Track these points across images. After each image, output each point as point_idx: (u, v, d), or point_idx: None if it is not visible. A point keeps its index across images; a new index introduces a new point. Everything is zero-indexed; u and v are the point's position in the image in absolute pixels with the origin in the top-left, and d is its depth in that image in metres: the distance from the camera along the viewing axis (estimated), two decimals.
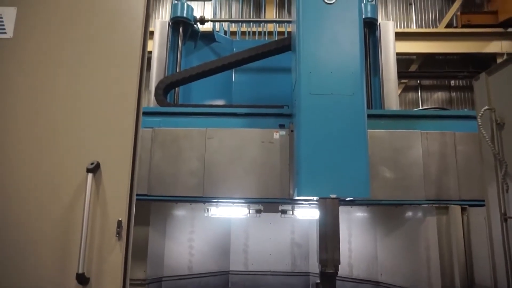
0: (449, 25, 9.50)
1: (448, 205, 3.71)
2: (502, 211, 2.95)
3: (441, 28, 9.46)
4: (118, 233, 2.03)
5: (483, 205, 3.24)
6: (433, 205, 3.73)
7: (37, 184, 2.14)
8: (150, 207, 4.15)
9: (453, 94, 9.58)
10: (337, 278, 3.14)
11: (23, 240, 2.10)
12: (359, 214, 4.52)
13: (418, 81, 9.64)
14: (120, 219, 2.04)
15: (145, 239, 4.06)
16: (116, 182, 2.10)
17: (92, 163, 2.06)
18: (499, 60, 8.85)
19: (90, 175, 2.02)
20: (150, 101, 5.01)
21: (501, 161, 2.95)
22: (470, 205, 3.67)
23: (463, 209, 3.69)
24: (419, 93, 9.60)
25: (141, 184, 3.70)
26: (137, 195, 2.26)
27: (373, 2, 5.42)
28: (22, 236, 2.10)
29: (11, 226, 2.11)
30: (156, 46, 5.30)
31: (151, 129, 3.99)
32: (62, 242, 2.06)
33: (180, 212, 4.57)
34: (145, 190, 3.83)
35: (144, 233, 4.07)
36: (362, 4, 5.14)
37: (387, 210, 4.19)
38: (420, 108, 9.11)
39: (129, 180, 2.11)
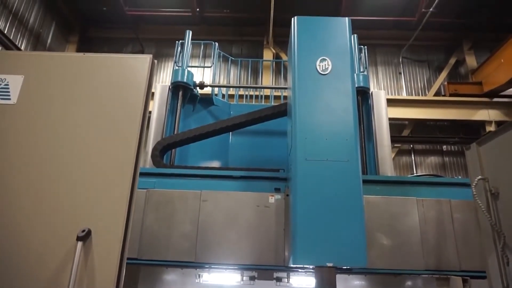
0: (437, 94, 9.97)
1: (448, 276, 3.59)
2: (505, 285, 2.85)
3: (430, 96, 9.91)
4: None
5: (485, 277, 3.13)
6: (433, 275, 3.61)
7: (23, 250, 2.06)
8: (139, 272, 3.97)
9: (446, 159, 9.75)
10: None
11: None
12: (357, 283, 4.34)
13: (411, 146, 9.85)
14: None
15: None
16: (107, 250, 2.03)
17: (83, 231, 2.01)
18: (488, 127, 9.16)
19: (79, 244, 1.95)
20: (146, 162, 5.03)
21: (499, 233, 2.92)
22: (472, 277, 3.56)
23: (464, 281, 3.57)
24: (413, 157, 9.76)
25: (131, 247, 3.54)
26: (127, 259, 2.17)
27: (365, 73, 5.72)
28: None
29: None
30: (155, 108, 5.45)
31: (145, 190, 3.95)
32: None
33: (170, 277, 4.36)
34: (135, 254, 3.69)
35: None
36: (355, 74, 5.41)
37: (386, 279, 4.03)
38: (415, 173, 9.20)
39: (120, 248, 2.04)
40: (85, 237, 2.00)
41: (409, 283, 3.85)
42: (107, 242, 2.06)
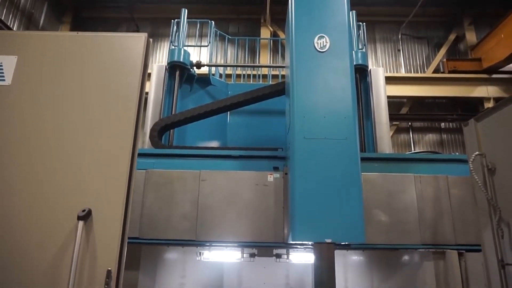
0: (436, 71, 9.90)
1: (444, 250, 3.66)
2: (499, 258, 2.92)
3: (428, 73, 9.84)
4: (107, 284, 1.95)
5: (480, 250, 3.20)
6: (430, 250, 3.68)
7: (26, 230, 2.08)
8: (141, 251, 4.03)
9: (444, 136, 9.77)
10: None
11: (9, 284, 2.01)
12: (355, 258, 4.43)
13: (410, 123, 9.85)
14: (109, 269, 1.97)
15: (135, 284, 3.90)
16: (108, 229, 2.05)
17: (83, 210, 2.02)
18: (486, 104, 9.14)
19: (81, 223, 1.98)
20: (144, 143, 5.03)
21: (495, 207, 2.96)
22: (467, 250, 3.63)
23: (460, 254, 3.65)
24: (411, 135, 9.78)
25: (132, 227, 3.58)
26: (128, 238, 2.20)
27: (364, 50, 5.65)
28: (9, 284, 2.01)
29: None
30: (152, 88, 5.40)
31: (144, 170, 3.97)
32: None
33: (172, 255, 4.45)
34: (136, 233, 3.74)
35: (134, 278, 3.92)
36: (353, 51, 5.35)
37: (383, 254, 4.12)
38: (413, 151, 9.23)
39: (121, 227, 2.06)
40: (85, 216, 2.02)
41: (406, 257, 3.93)
42: (107, 222, 2.08)
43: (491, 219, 3.02)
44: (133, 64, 2.37)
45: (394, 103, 9.53)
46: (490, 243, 3.01)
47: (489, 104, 9.06)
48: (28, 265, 2.04)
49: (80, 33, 2.47)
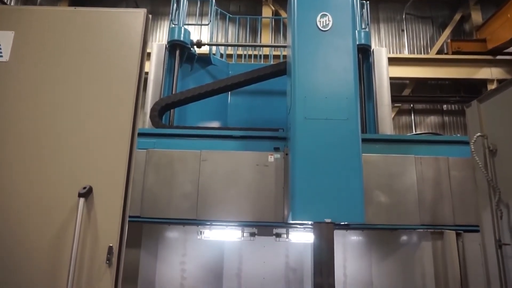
0: (440, 52, 9.75)
1: (443, 230, 3.70)
2: (497, 238, 2.94)
3: (432, 54, 9.70)
4: (109, 260, 1.98)
5: (478, 231, 3.23)
6: (428, 230, 3.72)
7: (28, 208, 2.10)
8: (142, 229, 4.08)
9: (446, 118, 9.72)
10: None
11: (12, 264, 2.04)
12: (354, 238, 4.48)
13: (411, 105, 9.79)
14: (111, 245, 1.99)
15: (136, 262, 3.97)
16: (109, 206, 2.07)
17: (84, 188, 2.03)
18: (489, 86, 9.05)
19: (81, 200, 1.99)
20: (145, 122, 5.01)
21: (495, 188, 2.97)
22: (465, 231, 3.67)
23: (458, 235, 3.69)
24: (413, 117, 9.73)
25: (133, 206, 3.65)
26: (129, 216, 2.22)
27: (367, 29, 5.56)
28: (11, 261, 2.04)
29: (0, 248, 2.06)
30: (152, 68, 5.34)
31: (145, 150, 3.97)
32: (51, 268, 2.01)
33: (173, 234, 4.50)
34: (137, 212, 3.78)
35: (135, 255, 3.98)
36: (356, 31, 5.26)
37: (382, 235, 4.16)
38: (414, 133, 9.21)
39: (122, 205, 2.07)
40: (86, 193, 2.03)
41: (404, 237, 3.98)
42: (108, 199, 2.09)
43: (490, 200, 3.04)
44: (132, 40, 2.34)
45: (396, 84, 9.45)
46: (489, 224, 3.03)
47: (492, 86, 8.97)
48: (30, 242, 2.06)
49: (78, 9, 2.42)
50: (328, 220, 3.10)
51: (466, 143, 3.61)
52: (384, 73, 5.18)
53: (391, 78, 5.45)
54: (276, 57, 6.95)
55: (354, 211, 3.12)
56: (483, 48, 9.23)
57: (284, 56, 7.15)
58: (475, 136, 3.14)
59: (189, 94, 4.75)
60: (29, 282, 2.01)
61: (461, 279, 3.57)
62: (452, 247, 3.62)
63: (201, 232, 4.17)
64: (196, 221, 3.84)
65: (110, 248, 1.98)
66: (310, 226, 3.36)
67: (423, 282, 3.66)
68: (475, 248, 3.36)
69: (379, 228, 3.92)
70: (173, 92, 5.24)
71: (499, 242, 2.92)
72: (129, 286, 3.84)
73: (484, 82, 9.25)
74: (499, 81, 8.97)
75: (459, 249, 3.64)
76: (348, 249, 4.46)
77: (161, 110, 4.71)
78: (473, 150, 3.12)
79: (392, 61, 7.85)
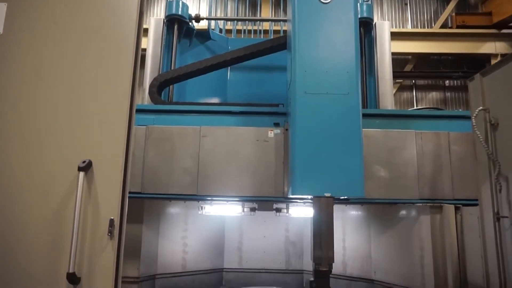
0: (444, 26, 9.54)
1: (442, 204, 3.73)
2: (495, 211, 2.97)
3: (436, 29, 9.51)
4: (110, 232, 2.00)
5: (477, 205, 3.26)
6: (427, 204, 3.75)
7: (28, 183, 2.11)
8: (144, 205, 4.12)
9: (448, 94, 9.64)
10: (331, 276, 3.14)
11: (14, 238, 2.07)
12: (354, 212, 4.53)
13: (413, 81, 9.68)
14: (112, 218, 2.01)
15: (138, 237, 4.03)
16: (109, 180, 2.07)
17: (83, 162, 2.03)
18: (493, 61, 8.91)
19: (81, 174, 2.00)
20: (144, 99, 4.98)
21: (495, 161, 2.97)
22: (464, 205, 3.70)
23: (456, 208, 3.72)
24: (414, 92, 9.64)
25: (134, 182, 3.68)
26: (130, 193, 2.24)
27: (369, 2, 5.42)
28: (13, 235, 2.07)
29: (1, 222, 2.08)
30: (150, 43, 5.26)
31: (144, 126, 3.96)
32: (53, 241, 2.04)
33: (174, 209, 4.55)
34: (138, 188, 3.80)
35: (137, 231, 4.04)
36: (358, 4, 5.14)
37: (381, 209, 4.20)
38: (415, 108, 9.15)
39: (122, 179, 2.08)
40: (86, 167, 2.03)
41: (403, 212, 4.01)
42: (108, 173, 2.10)
43: (490, 174, 3.05)
44: (128, 10, 2.28)
45: (398, 60, 9.30)
46: (487, 197, 3.06)
47: (496, 61, 8.85)
48: (31, 216, 2.08)
49: None
50: (328, 195, 3.12)
51: (468, 117, 3.59)
52: (386, 46, 5.10)
53: (393, 54, 5.37)
54: (276, 32, 6.82)
55: (353, 185, 3.13)
56: (489, 21, 9.04)
57: (285, 32, 7.01)
58: (476, 110, 3.11)
59: (188, 70, 4.69)
60: (31, 255, 2.04)
61: (459, 252, 3.62)
62: (451, 221, 3.66)
63: (202, 208, 4.22)
64: (196, 197, 3.88)
65: (111, 221, 2.00)
66: (310, 201, 3.39)
67: (421, 254, 3.72)
68: (473, 221, 3.40)
69: (378, 203, 3.96)
70: (172, 68, 5.17)
71: (497, 215, 2.96)
72: (131, 260, 3.91)
73: (488, 57, 9.10)
74: (503, 55, 8.83)
75: (457, 223, 3.68)
76: (348, 223, 4.52)
77: (160, 86, 4.66)
78: (474, 124, 3.10)
79: (395, 35, 7.70)
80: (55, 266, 2.01)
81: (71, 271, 1.93)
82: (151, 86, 4.63)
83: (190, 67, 4.70)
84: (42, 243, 2.05)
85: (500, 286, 2.87)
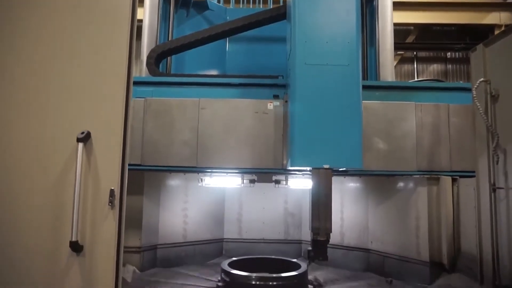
0: None
1: (439, 176, 3.77)
2: (491, 182, 3.01)
3: None
4: (111, 202, 2.03)
5: (474, 176, 3.30)
6: (425, 176, 3.79)
7: (28, 154, 2.12)
8: (144, 177, 4.16)
9: (449, 66, 9.54)
10: (328, 245, 3.21)
11: (16, 208, 2.10)
12: (352, 184, 4.58)
13: (414, 53, 9.55)
14: (112, 188, 2.04)
15: (140, 208, 4.10)
16: (108, 151, 2.08)
17: (82, 133, 2.03)
18: (497, 32, 8.75)
19: (80, 145, 2.00)
20: (141, 71, 4.91)
21: (493, 133, 2.97)
22: (461, 176, 3.74)
23: (453, 180, 3.76)
24: (415, 64, 9.54)
25: (134, 154, 3.69)
26: (130, 165, 2.25)
27: None
28: (15, 205, 2.10)
29: (3, 194, 2.10)
30: (146, 14, 5.13)
31: (143, 99, 3.93)
32: (55, 210, 2.07)
33: (174, 181, 4.59)
34: (138, 160, 3.83)
35: (139, 202, 4.10)
36: None
37: (379, 181, 4.24)
38: (415, 79, 9.07)
39: (121, 149, 2.09)
40: (85, 138, 2.03)
41: (401, 183, 4.06)
42: (107, 144, 2.10)
43: (488, 146, 3.07)
44: None
45: (400, 31, 9.13)
46: (484, 168, 3.08)
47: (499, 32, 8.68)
48: (33, 187, 2.10)
49: None
50: (327, 166, 3.15)
51: (468, 90, 3.56)
52: (388, 16, 4.97)
53: (395, 24, 5.26)
54: (275, 1, 6.63)
55: (352, 157, 3.15)
56: None
57: (284, 1, 6.84)
58: (477, 82, 3.09)
59: (186, 41, 4.60)
60: (34, 223, 2.08)
61: (454, 222, 3.70)
62: (447, 192, 3.72)
63: (201, 180, 4.25)
64: (196, 169, 3.91)
65: (112, 191, 2.03)
66: (309, 172, 3.42)
67: (417, 225, 3.80)
68: (469, 192, 3.45)
69: (376, 174, 3.99)
70: (169, 39, 5.07)
71: (493, 186, 3.00)
72: (133, 231, 3.99)
73: (491, 28, 8.94)
74: (508, 26, 8.66)
75: (454, 194, 3.73)
76: (346, 195, 4.58)
77: (157, 58, 4.59)
78: (474, 95, 3.08)
79: (397, 5, 7.51)
80: (58, 235, 2.05)
81: (73, 239, 1.98)
82: (148, 57, 4.56)
83: (188, 38, 4.61)
84: (44, 213, 2.08)
85: (493, 254, 2.95)
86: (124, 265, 3.31)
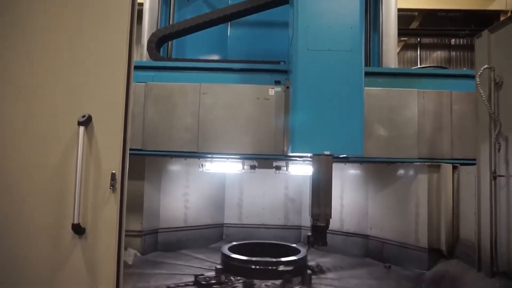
0: None
1: (440, 163, 3.77)
2: (492, 170, 3.01)
3: None
4: (112, 186, 2.04)
5: (474, 164, 3.29)
6: (425, 163, 3.79)
7: (29, 137, 2.12)
8: (145, 162, 4.17)
9: (453, 53, 9.44)
10: (328, 231, 3.24)
11: (18, 192, 2.11)
12: (352, 171, 4.59)
13: (418, 39, 9.44)
14: (113, 171, 2.04)
15: (141, 192, 4.13)
16: (109, 135, 2.08)
17: (83, 116, 2.03)
18: (503, 18, 8.62)
19: (81, 128, 2.00)
20: (142, 55, 4.87)
21: (496, 121, 2.96)
22: (462, 164, 3.74)
23: (454, 168, 3.77)
24: (419, 51, 9.44)
25: (135, 139, 3.70)
26: (131, 149, 2.25)
27: None
28: (17, 189, 2.11)
29: (5, 179, 2.11)
30: None
31: (143, 83, 3.91)
32: (57, 193, 2.08)
33: (175, 167, 4.61)
34: (139, 145, 3.83)
35: (140, 187, 4.12)
36: None
37: (379, 168, 4.25)
38: (419, 66, 8.98)
39: (122, 133, 2.08)
40: (86, 122, 2.03)
41: (401, 171, 4.06)
42: (108, 128, 2.10)
43: (490, 133, 3.06)
44: None
45: (404, 17, 9.00)
46: (486, 156, 3.08)
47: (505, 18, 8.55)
48: (34, 168, 2.11)
49: None
50: (327, 153, 3.15)
51: (472, 77, 3.53)
52: (392, 1, 4.89)
53: (399, 10, 5.18)
54: None
55: (353, 144, 3.15)
56: None
57: None
58: (482, 68, 3.06)
59: (187, 25, 4.55)
60: (37, 206, 2.09)
61: (453, 210, 3.72)
62: (448, 180, 3.72)
63: (202, 165, 4.27)
64: (197, 154, 3.91)
65: (113, 175, 2.03)
66: (310, 159, 3.42)
67: (416, 212, 3.82)
68: (470, 180, 3.45)
69: (377, 161, 3.99)
70: (170, 23, 5.01)
71: (494, 174, 3.00)
72: (135, 215, 4.03)
73: (497, 14, 8.79)
74: None
75: (454, 181, 3.74)
76: (346, 181, 4.59)
77: (158, 42, 4.54)
78: (478, 82, 3.06)
79: None
80: (60, 218, 2.07)
81: (75, 222, 1.99)
82: (149, 41, 4.51)
83: (189, 22, 4.55)
84: (46, 196, 2.09)
85: (491, 241, 2.97)
86: (125, 248, 3.35)
